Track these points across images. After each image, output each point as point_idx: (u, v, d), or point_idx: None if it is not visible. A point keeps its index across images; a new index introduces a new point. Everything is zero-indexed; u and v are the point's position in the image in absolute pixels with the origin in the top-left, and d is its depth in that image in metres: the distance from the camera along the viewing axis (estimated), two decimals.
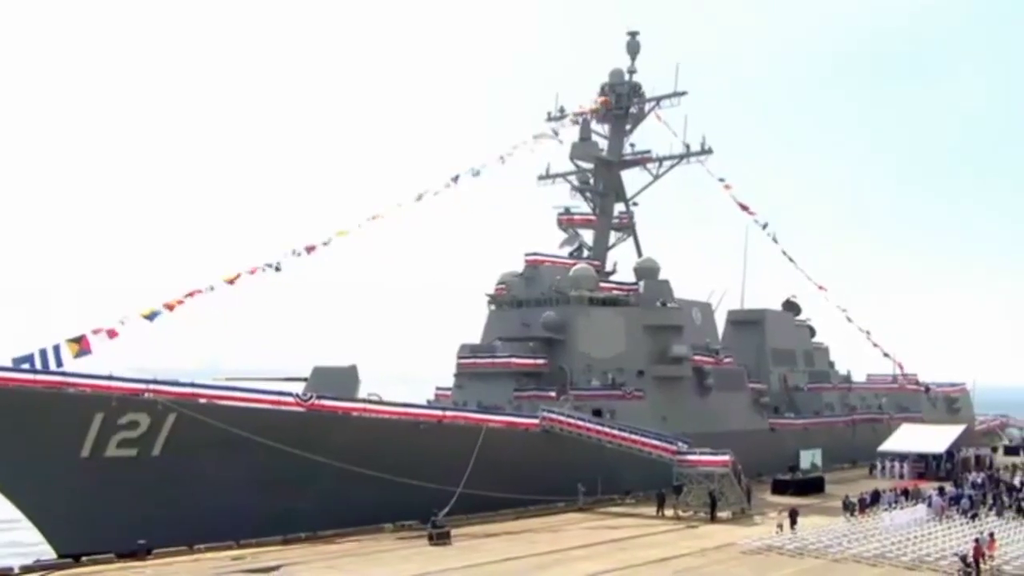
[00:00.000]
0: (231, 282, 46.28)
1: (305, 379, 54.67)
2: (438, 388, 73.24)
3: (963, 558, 36.74)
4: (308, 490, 45.79)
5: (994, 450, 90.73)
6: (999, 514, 49.60)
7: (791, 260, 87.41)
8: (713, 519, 51.45)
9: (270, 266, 47.96)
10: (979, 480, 60.98)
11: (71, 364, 42.02)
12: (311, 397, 48.22)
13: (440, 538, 43.72)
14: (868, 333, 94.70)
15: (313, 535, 45.01)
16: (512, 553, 40.65)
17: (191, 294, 45.05)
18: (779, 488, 63.41)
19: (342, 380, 54.33)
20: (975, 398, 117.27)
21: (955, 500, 51.55)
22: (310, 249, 49.46)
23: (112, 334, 42.63)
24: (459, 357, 70.55)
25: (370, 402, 51.90)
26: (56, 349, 41.46)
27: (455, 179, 57.70)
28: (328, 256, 50.36)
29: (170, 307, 44.26)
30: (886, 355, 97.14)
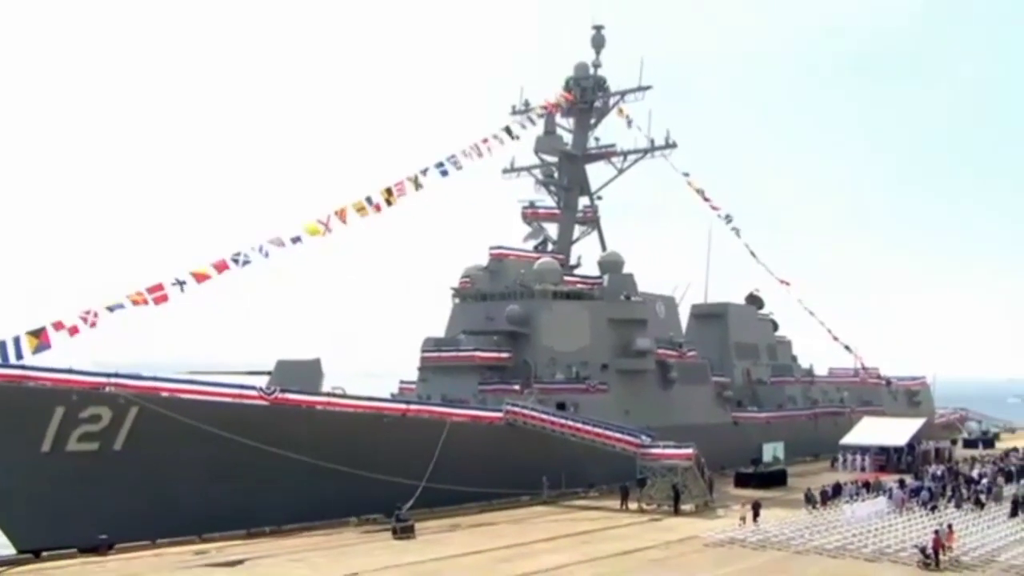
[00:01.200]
0: (198, 277, 45.95)
1: (269, 373, 54.45)
2: (402, 382, 73.31)
3: (923, 549, 37.22)
4: (272, 484, 45.67)
5: (953, 443, 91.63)
6: (958, 506, 50.14)
7: (753, 254, 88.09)
8: (677, 512, 51.72)
9: (236, 261, 47.63)
10: (939, 472, 61.58)
11: (31, 358, 41.60)
12: (275, 391, 48.05)
13: (404, 532, 43.77)
14: (830, 329, 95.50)
15: (277, 529, 45.02)
16: (477, 546, 40.75)
17: (152, 289, 44.62)
18: (742, 481, 63.84)
19: (306, 374, 54.12)
20: (935, 392, 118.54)
21: (915, 492, 52.06)
22: (278, 244, 49.15)
23: (73, 331, 42.15)
24: (423, 351, 70.51)
25: (334, 396, 51.74)
26: (16, 341, 40.93)
27: (424, 172, 57.53)
28: (294, 251, 50.09)
29: (135, 301, 43.86)
30: (847, 349, 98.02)
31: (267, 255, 48.88)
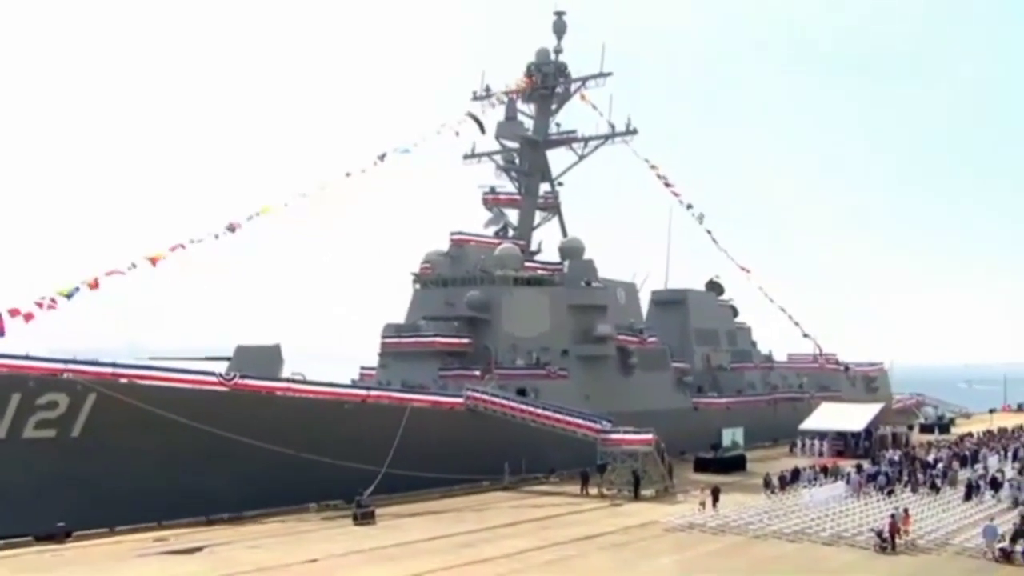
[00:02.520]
0: (153, 261, 45.71)
1: (228, 358, 54.20)
2: (362, 367, 73.26)
3: (879, 533, 37.72)
4: (232, 471, 45.49)
5: (910, 428, 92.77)
6: (914, 490, 50.73)
7: (715, 241, 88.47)
8: (636, 497, 52.06)
9: (193, 243, 47.42)
10: (895, 457, 62.24)
11: None
12: (234, 376, 47.88)
13: (365, 518, 43.84)
14: (790, 315, 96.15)
15: (237, 516, 44.92)
16: (438, 532, 40.87)
17: (111, 273, 44.37)
18: (701, 466, 64.31)
19: (266, 359, 53.98)
20: (892, 377, 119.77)
21: (872, 477, 52.62)
22: (233, 227, 48.94)
23: (28, 317, 41.85)
24: (384, 336, 70.51)
25: (294, 381, 51.60)
26: None
27: (382, 157, 57.47)
28: (252, 234, 49.92)
29: (91, 286, 43.56)
30: (806, 335, 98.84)
31: (217, 237, 48.62)
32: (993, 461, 60.56)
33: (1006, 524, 38.69)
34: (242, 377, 48.10)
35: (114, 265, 44.94)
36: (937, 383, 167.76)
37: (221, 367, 50.22)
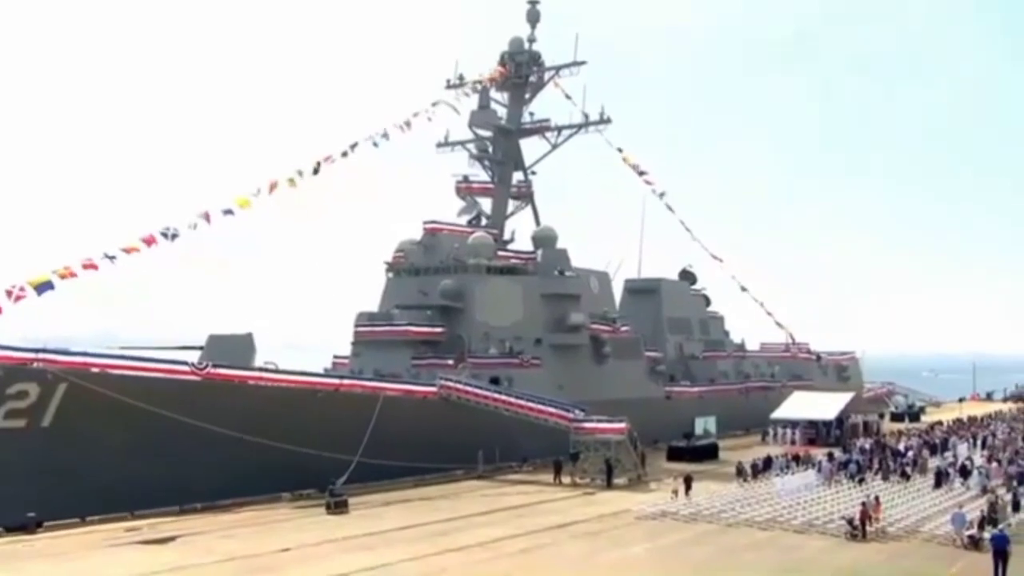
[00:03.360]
0: (128, 252, 45.40)
1: (200, 347, 54.10)
2: (335, 356, 73.15)
3: (850, 521, 38.03)
4: (204, 460, 45.25)
5: (881, 417, 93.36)
6: (885, 478, 51.12)
7: (688, 230, 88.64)
8: (609, 486, 52.28)
9: (165, 235, 47.15)
10: (866, 446, 62.67)
11: None
12: (206, 366, 47.71)
13: (338, 507, 43.84)
14: (762, 304, 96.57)
15: (210, 505, 44.91)
16: (411, 521, 40.93)
17: (88, 266, 44.04)
18: (674, 455, 64.60)
19: (238, 348, 53.89)
20: (863, 366, 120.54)
21: (843, 465, 52.98)
22: (208, 218, 48.69)
23: None
24: (356, 325, 70.47)
25: (266, 370, 51.52)
26: None
27: (353, 147, 57.28)
28: (226, 224, 49.64)
29: (63, 276, 43.22)
30: (779, 325, 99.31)
31: (195, 226, 48.38)
32: (962, 449, 61.11)
33: (975, 511, 39.04)
34: (214, 366, 47.92)
35: (88, 255, 44.54)
36: (904, 372, 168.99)
37: (193, 356, 50.08)
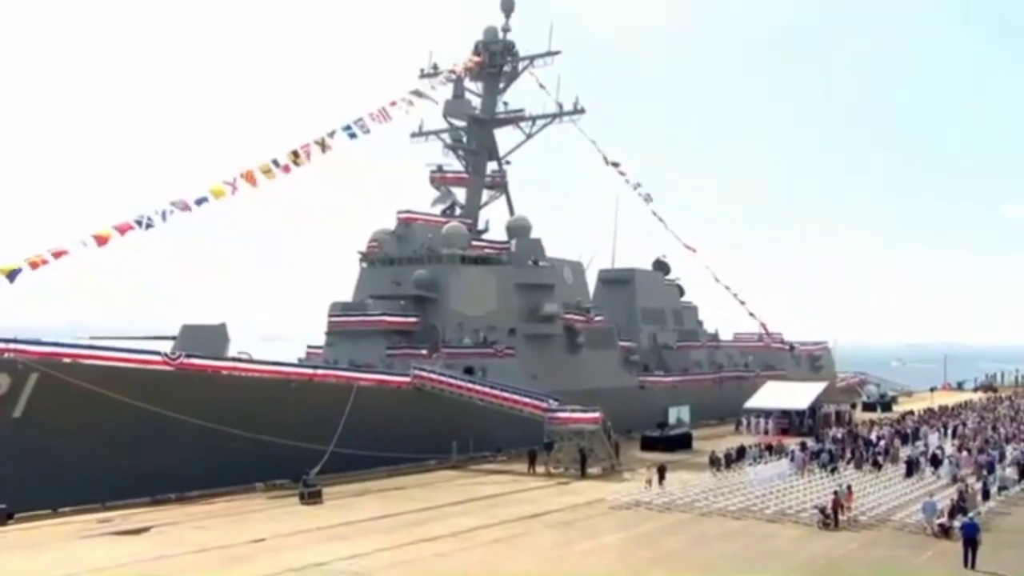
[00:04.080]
0: (100, 240, 45.08)
1: (173, 338, 53.92)
2: (309, 346, 73.05)
3: (822, 510, 38.29)
4: (177, 450, 45.13)
5: (853, 406, 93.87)
6: (857, 467, 51.47)
7: (661, 220, 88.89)
8: (583, 475, 52.42)
9: (139, 223, 46.85)
10: (839, 435, 63.15)
11: None
12: (179, 356, 47.59)
13: (312, 497, 43.79)
14: (735, 294, 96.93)
15: (183, 496, 44.80)
16: (385, 511, 40.95)
17: (58, 254, 43.72)
18: (648, 444, 64.81)
19: (211, 338, 53.78)
20: (836, 356, 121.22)
21: (816, 455, 53.33)
22: (183, 207, 48.39)
23: None
24: (330, 315, 70.38)
25: (240, 360, 51.51)
26: None
27: (331, 135, 57.04)
28: (200, 214, 49.37)
29: (34, 265, 42.89)
30: (751, 315, 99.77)
31: (164, 217, 48.10)
32: (933, 438, 61.60)
33: (945, 500, 39.38)
34: (187, 356, 47.80)
35: (59, 243, 44.21)
36: (874, 362, 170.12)
37: (166, 346, 49.93)
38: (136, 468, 43.62)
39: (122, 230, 46.17)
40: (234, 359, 51.75)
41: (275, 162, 52.98)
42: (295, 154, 54.19)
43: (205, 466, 45.58)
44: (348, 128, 58.09)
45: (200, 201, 49.18)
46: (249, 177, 51.38)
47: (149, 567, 30.85)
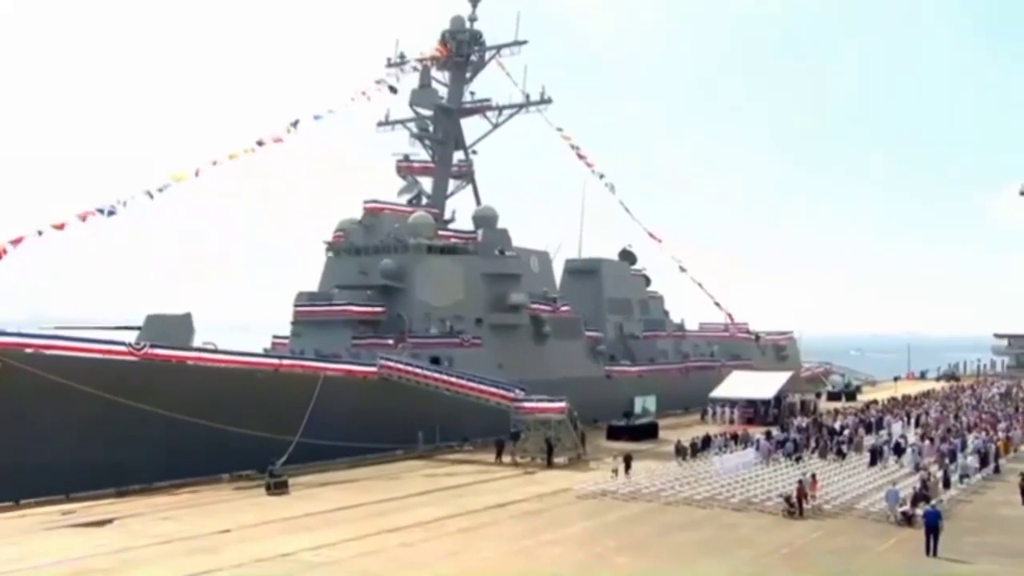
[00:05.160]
0: (59, 228, 44.77)
1: (138, 328, 53.52)
2: (275, 336, 72.68)
3: (787, 498, 38.56)
4: (142, 441, 44.93)
5: (818, 396, 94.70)
6: (822, 456, 51.82)
7: (627, 210, 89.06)
8: (550, 465, 52.55)
9: (102, 211, 46.54)
10: (804, 424, 63.53)
11: None
12: (144, 346, 47.35)
13: (278, 488, 43.71)
14: (701, 284, 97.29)
15: (148, 487, 44.58)
16: (351, 501, 40.97)
17: (16, 241, 43.39)
18: (614, 434, 65.09)
19: (176, 328, 53.39)
20: (801, 346, 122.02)
21: (781, 444, 53.66)
22: (146, 194, 48.10)
23: None
24: (296, 305, 70.10)
25: (205, 351, 51.29)
26: None
27: (295, 124, 56.91)
28: (163, 201, 49.13)
29: None
30: (717, 305, 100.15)
31: (124, 204, 47.80)
32: (897, 427, 62.10)
33: (908, 488, 39.75)
34: (152, 346, 47.57)
35: (18, 232, 43.89)
36: (833, 352, 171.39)
37: (131, 336, 49.61)
38: (100, 459, 43.40)
39: (83, 217, 45.85)
40: (199, 349, 51.51)
41: (243, 150, 52.83)
42: (259, 143, 54.06)
43: (170, 457, 45.43)
44: (318, 117, 58.04)
45: (163, 188, 48.94)
46: (214, 164, 51.18)
47: (114, 559, 30.66)
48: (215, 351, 51.64)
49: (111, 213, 46.92)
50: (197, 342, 53.41)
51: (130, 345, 47.13)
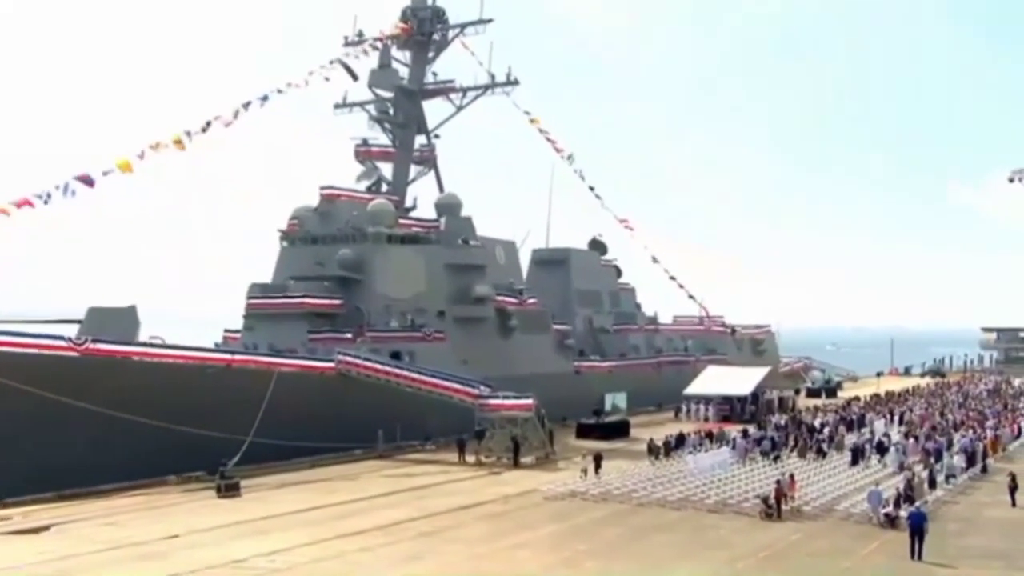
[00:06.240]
0: None
1: (79, 321, 53.13)
2: (227, 330, 72.40)
3: (765, 500, 38.76)
4: (84, 442, 44.65)
5: (797, 392, 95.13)
6: (801, 455, 52.12)
7: (598, 197, 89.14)
8: (516, 465, 52.63)
9: (40, 198, 46.13)
10: (782, 422, 63.95)
11: None
12: (86, 340, 46.98)
13: (229, 490, 43.51)
14: (674, 276, 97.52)
15: (91, 490, 44.07)
16: (308, 503, 40.84)
17: None
18: (584, 432, 65.23)
19: (120, 322, 52.99)
20: (780, 340, 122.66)
21: (758, 442, 53.90)
22: (86, 181, 47.65)
23: None
24: (249, 297, 69.77)
25: (152, 345, 51.00)
26: None
27: (246, 106, 56.56)
28: (106, 188, 48.69)
29: None
30: (691, 297, 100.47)
31: (74, 193, 47.43)
32: (879, 425, 62.50)
33: (891, 489, 40.05)
34: (94, 341, 47.20)
35: None
36: (809, 346, 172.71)
37: (71, 331, 49.25)
38: (39, 461, 43.05)
39: (19, 205, 45.41)
40: (145, 344, 51.20)
41: (187, 133, 52.45)
42: (208, 124, 53.69)
43: (115, 458, 45.03)
44: (265, 98, 57.67)
45: (106, 174, 48.50)
46: (158, 149, 50.80)
47: (57, 567, 30.43)
48: (162, 346, 51.41)
49: (47, 200, 46.47)
50: (143, 336, 53.10)
51: (71, 340, 46.74)
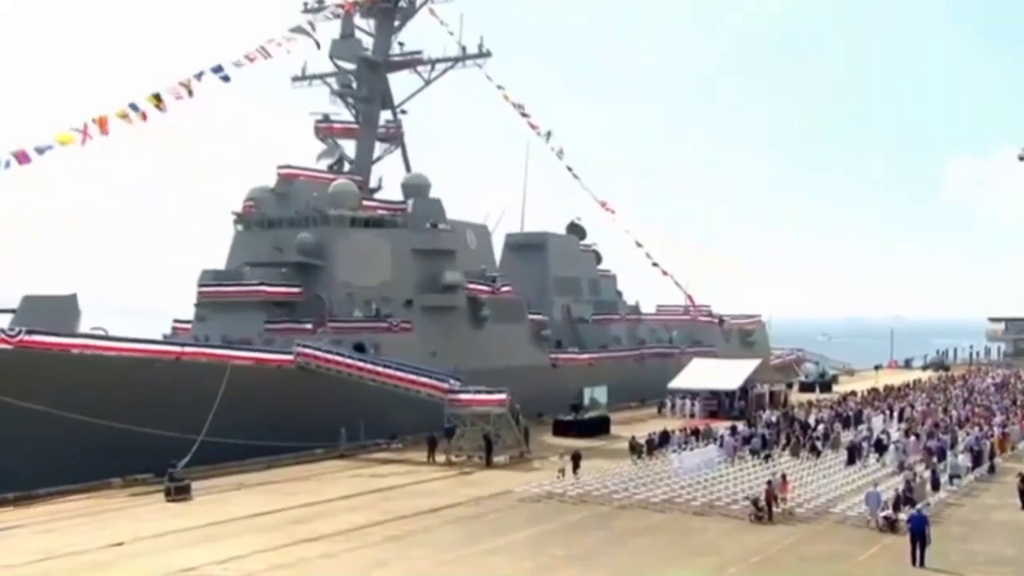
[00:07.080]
0: None
1: (13, 311, 52.71)
2: (176, 321, 71.95)
3: (755, 501, 38.70)
4: (18, 442, 44.16)
5: (789, 386, 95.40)
6: (793, 454, 52.20)
7: (577, 177, 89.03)
8: (489, 464, 52.55)
9: None
10: (773, 418, 63.98)
11: None
12: (19, 332, 46.61)
13: (179, 493, 43.33)
14: (657, 262, 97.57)
15: (27, 495, 43.68)
16: (265, 507, 40.67)
17: None
18: (561, 429, 65.28)
19: (59, 311, 52.59)
20: (771, 331, 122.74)
21: (748, 440, 53.95)
22: (21, 158, 47.18)
23: None
24: (200, 285, 69.40)
25: (94, 337, 50.66)
26: None
27: (198, 77, 56.06)
28: (44, 166, 48.20)
29: None
30: (677, 285, 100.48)
31: (7, 165, 47.01)
32: (878, 422, 62.61)
33: (891, 490, 40.06)
34: (30, 333, 46.84)
35: None
36: (800, 337, 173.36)
37: (4, 321, 48.88)
38: None
39: None
40: (87, 336, 50.87)
41: (133, 107, 51.99)
42: (157, 98, 53.21)
43: (51, 460, 44.69)
44: (219, 70, 57.17)
45: (43, 150, 48.02)
46: (102, 124, 50.32)
47: None
48: (105, 337, 51.06)
49: None
50: (84, 327, 52.75)
51: (3, 331, 46.40)
